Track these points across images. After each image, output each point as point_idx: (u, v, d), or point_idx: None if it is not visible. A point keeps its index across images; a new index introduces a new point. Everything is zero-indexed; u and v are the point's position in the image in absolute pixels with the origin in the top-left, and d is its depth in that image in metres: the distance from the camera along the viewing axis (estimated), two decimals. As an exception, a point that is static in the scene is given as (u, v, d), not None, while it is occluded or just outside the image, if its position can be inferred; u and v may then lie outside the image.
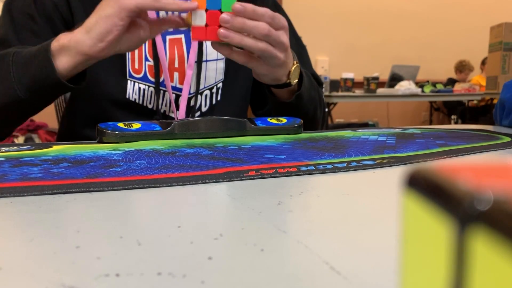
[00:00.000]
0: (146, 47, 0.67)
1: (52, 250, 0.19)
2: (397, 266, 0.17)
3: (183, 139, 0.53)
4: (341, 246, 0.20)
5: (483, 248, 0.07)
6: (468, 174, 0.08)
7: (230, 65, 0.73)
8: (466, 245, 0.07)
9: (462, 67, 4.41)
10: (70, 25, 0.65)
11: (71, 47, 0.53)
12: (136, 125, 0.53)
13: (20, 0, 0.65)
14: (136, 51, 0.66)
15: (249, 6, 0.53)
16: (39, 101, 0.58)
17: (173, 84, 0.69)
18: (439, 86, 3.80)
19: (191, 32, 0.54)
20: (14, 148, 0.46)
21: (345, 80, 3.53)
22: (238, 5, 0.53)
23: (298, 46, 0.81)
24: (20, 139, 2.50)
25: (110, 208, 0.26)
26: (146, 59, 0.67)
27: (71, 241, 0.20)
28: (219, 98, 0.73)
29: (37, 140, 2.50)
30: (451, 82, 4.22)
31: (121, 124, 0.52)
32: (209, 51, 0.71)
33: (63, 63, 0.54)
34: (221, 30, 0.53)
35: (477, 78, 4.24)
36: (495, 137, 0.57)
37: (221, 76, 0.73)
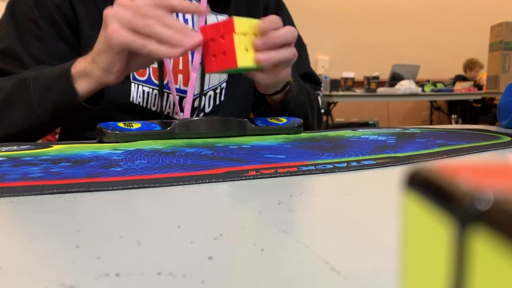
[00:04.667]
0: None
1: (52, 250, 0.19)
2: (397, 266, 0.17)
3: (183, 139, 0.53)
4: (341, 246, 0.20)
5: (483, 248, 0.07)
6: (468, 174, 0.08)
7: None
8: (466, 245, 0.07)
9: (472, 65, 4.35)
10: (74, 27, 0.65)
11: (87, 74, 0.54)
12: (136, 125, 0.53)
13: (23, 4, 0.65)
14: None
15: (271, 21, 0.52)
16: (60, 123, 0.60)
17: (177, 86, 0.68)
18: (440, 86, 3.80)
19: (205, 65, 0.51)
20: (14, 147, 0.46)
21: (346, 79, 3.53)
22: (265, 23, 0.51)
23: (298, 45, 0.81)
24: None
25: (110, 207, 0.26)
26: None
27: (71, 241, 0.20)
28: (222, 99, 0.73)
29: (37, 140, 2.50)
30: (460, 79, 4.18)
31: (121, 124, 0.52)
32: None
33: (82, 88, 0.55)
34: (261, 56, 0.50)
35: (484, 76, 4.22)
36: (495, 137, 0.57)
37: (224, 77, 0.73)
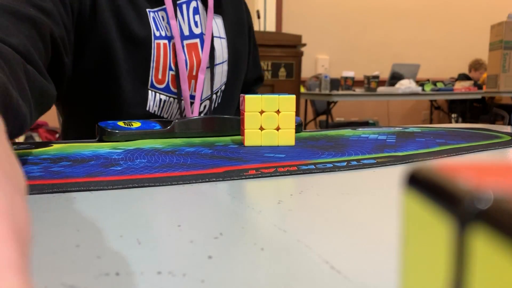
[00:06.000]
0: (171, 55, 0.63)
1: (52, 249, 0.19)
2: (397, 265, 0.17)
3: (183, 138, 0.53)
4: (341, 245, 0.20)
5: (483, 247, 0.07)
6: (468, 173, 0.08)
7: (231, 67, 0.73)
8: (466, 244, 0.07)
9: (479, 66, 4.30)
10: (82, 16, 0.57)
11: None
12: (136, 124, 0.53)
13: None
14: (161, 61, 0.63)
15: None
16: None
17: (190, 92, 0.67)
18: (440, 85, 3.80)
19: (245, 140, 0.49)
20: (14, 146, 0.46)
21: (346, 78, 3.52)
22: None
23: (253, 46, 0.84)
24: (21, 138, 2.51)
25: (110, 207, 0.26)
26: (170, 69, 0.64)
27: (71, 240, 0.20)
28: (219, 101, 0.73)
29: (37, 139, 2.50)
30: (464, 78, 4.16)
31: (121, 123, 0.52)
32: (218, 54, 0.70)
33: None
34: None
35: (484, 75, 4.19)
36: (495, 136, 0.57)
37: (224, 79, 0.72)
